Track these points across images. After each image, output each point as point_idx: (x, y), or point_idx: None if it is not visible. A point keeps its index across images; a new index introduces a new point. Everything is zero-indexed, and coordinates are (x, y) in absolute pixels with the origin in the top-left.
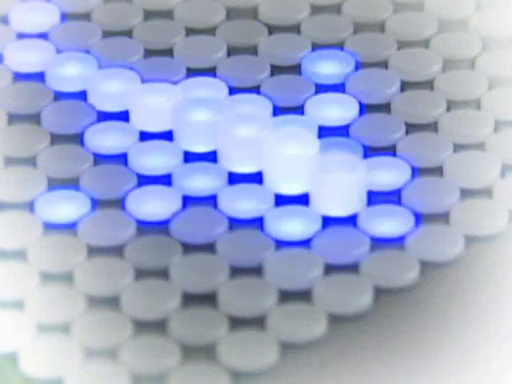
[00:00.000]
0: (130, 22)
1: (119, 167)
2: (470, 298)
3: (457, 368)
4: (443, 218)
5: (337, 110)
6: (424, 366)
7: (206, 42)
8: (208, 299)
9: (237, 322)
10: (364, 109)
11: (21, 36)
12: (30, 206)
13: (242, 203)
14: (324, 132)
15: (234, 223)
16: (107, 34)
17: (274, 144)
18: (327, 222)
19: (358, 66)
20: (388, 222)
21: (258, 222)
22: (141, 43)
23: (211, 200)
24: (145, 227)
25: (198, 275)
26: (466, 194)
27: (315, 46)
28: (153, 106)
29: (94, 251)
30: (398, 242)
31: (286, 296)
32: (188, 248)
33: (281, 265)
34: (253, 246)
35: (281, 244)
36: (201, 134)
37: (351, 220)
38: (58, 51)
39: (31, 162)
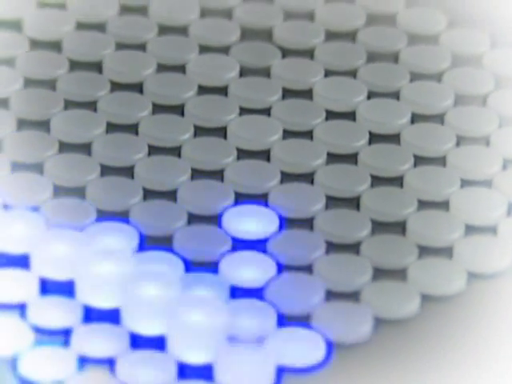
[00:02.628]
0: (144, 36)
1: (124, 179)
2: (468, 334)
3: None
4: (446, 252)
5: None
6: None
7: (220, 61)
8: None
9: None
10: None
11: (34, 42)
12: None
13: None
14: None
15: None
16: (120, 45)
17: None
18: None
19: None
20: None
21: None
22: (154, 58)
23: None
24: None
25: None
26: (470, 229)
27: (328, 73)
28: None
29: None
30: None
31: (285, 320)
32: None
33: (282, 289)
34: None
35: None
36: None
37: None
38: (70, 60)
39: (38, 168)
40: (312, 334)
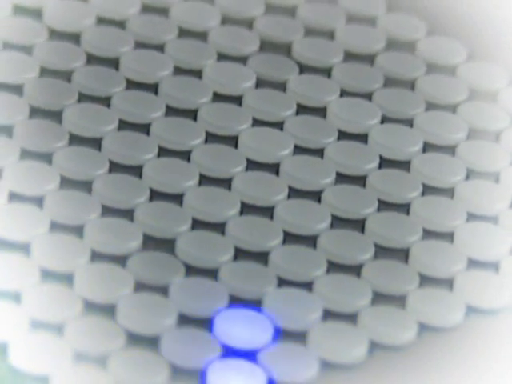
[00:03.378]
0: (163, 37)
1: (132, 178)
2: (463, 367)
3: None
4: (447, 284)
5: None
6: None
7: (237, 70)
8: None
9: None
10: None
11: (53, 32)
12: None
13: None
14: None
15: None
16: (139, 44)
17: None
18: None
19: None
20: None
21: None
22: (171, 60)
23: None
24: (150, 242)
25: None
26: (473, 263)
27: (343, 93)
28: None
29: (97, 256)
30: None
31: (281, 334)
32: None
33: (280, 303)
34: (255, 280)
35: None
36: None
37: None
38: (88, 54)
39: (47, 158)
40: (304, 351)
